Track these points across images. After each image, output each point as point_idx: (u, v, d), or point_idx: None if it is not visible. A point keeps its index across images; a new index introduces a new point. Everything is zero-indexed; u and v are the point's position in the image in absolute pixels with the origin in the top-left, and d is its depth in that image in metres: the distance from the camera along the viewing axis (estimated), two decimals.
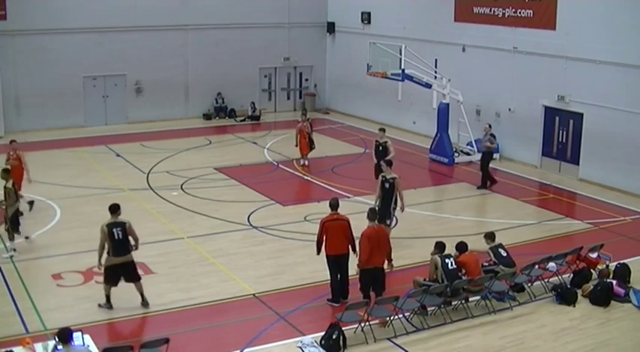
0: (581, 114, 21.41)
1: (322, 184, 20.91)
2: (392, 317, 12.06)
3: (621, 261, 14.41)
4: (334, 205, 13.07)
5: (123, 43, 28.29)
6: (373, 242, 12.43)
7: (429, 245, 13.18)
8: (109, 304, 12.61)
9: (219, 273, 14.35)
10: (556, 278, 13.90)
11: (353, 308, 11.80)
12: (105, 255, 12.40)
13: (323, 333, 11.46)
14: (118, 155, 24.00)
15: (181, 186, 20.37)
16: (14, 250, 14.93)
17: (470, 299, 12.96)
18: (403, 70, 23.02)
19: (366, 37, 27.18)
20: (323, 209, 18.02)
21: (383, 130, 19.58)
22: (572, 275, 14.06)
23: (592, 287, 13.35)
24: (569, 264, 14.22)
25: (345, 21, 31.21)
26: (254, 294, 13.39)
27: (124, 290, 13.37)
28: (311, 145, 22.59)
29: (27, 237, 15.40)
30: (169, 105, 29.72)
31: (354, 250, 12.85)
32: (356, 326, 11.73)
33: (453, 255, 12.95)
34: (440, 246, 12.82)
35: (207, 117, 30.29)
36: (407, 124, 28.09)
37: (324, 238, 12.83)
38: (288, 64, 32.17)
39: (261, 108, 31.26)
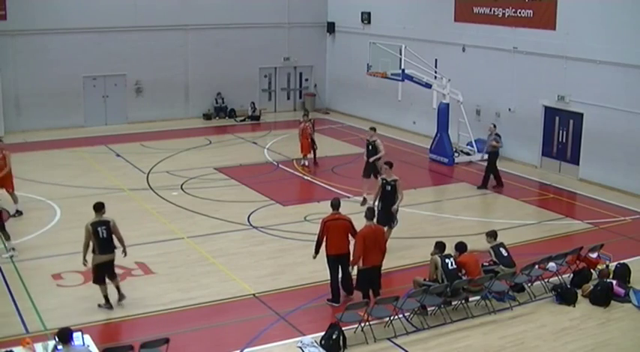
0: (581, 114, 21.41)
1: (322, 184, 20.92)
2: (392, 317, 12.05)
3: (621, 261, 14.41)
4: (336, 205, 13.09)
5: (123, 43, 28.29)
6: (370, 241, 12.49)
7: (429, 245, 13.18)
8: (108, 304, 12.62)
9: (219, 273, 14.35)
10: (556, 278, 13.90)
11: (353, 308, 11.80)
12: (91, 254, 12.45)
13: (323, 333, 11.46)
14: (118, 155, 23.99)
15: (181, 186, 20.37)
16: (13, 249, 14.93)
17: (470, 299, 12.96)
18: (403, 70, 23.02)
19: (366, 37, 27.18)
20: (323, 209, 18.03)
21: (373, 129, 19.46)
22: (572, 275, 14.06)
23: (592, 287, 13.35)
24: (569, 264, 14.22)
25: (345, 21, 31.21)
26: (254, 294, 13.39)
27: (125, 290, 13.39)
28: (313, 146, 22.58)
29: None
30: (169, 105, 29.72)
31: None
32: (356, 326, 11.73)
33: (453, 255, 12.95)
34: (440, 246, 12.82)
35: (207, 117, 30.29)
36: (407, 124, 28.09)
37: (325, 238, 12.84)
38: (288, 64, 32.17)
39: (261, 108, 31.26)
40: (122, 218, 17.35)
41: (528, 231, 17.10)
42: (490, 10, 24.19)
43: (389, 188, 15.11)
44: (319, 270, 13.96)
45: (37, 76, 26.92)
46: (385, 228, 14.11)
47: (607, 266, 14.26)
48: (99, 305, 12.67)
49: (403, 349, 11.52)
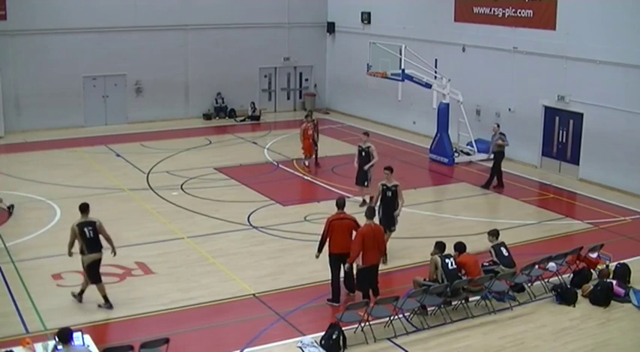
0: (581, 114, 21.41)
1: (322, 184, 20.92)
2: (392, 317, 12.05)
3: (621, 261, 14.42)
4: (341, 204, 13.13)
5: (123, 43, 28.29)
6: (369, 240, 12.53)
7: (429, 245, 13.19)
8: (108, 304, 12.63)
9: (219, 273, 14.35)
10: (556, 278, 13.90)
11: (353, 308, 11.81)
12: (79, 256, 12.52)
13: (323, 333, 11.46)
14: (118, 155, 23.99)
15: (181, 186, 20.37)
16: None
17: (470, 299, 12.96)
18: (403, 70, 23.02)
19: (366, 37, 27.18)
20: (323, 209, 18.07)
21: (367, 134, 18.93)
22: (572, 275, 14.07)
23: (592, 287, 13.35)
24: (569, 264, 14.22)
25: (345, 21, 31.22)
26: (254, 294, 13.39)
27: (125, 290, 13.41)
28: (314, 146, 22.57)
29: None
30: (169, 105, 29.72)
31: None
32: (356, 326, 11.74)
33: (452, 255, 12.96)
34: (440, 246, 12.82)
35: (207, 117, 30.29)
36: (407, 124, 28.09)
37: (329, 237, 12.87)
38: (288, 64, 32.17)
39: (261, 108, 31.26)
40: (122, 218, 17.55)
41: (528, 231, 17.10)
42: (490, 10, 24.20)
43: (389, 194, 14.87)
44: (319, 270, 13.98)
45: (37, 76, 26.92)
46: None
47: (607, 266, 14.26)
48: (99, 306, 12.68)
49: (403, 349, 11.52)
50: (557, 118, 22.38)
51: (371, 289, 12.88)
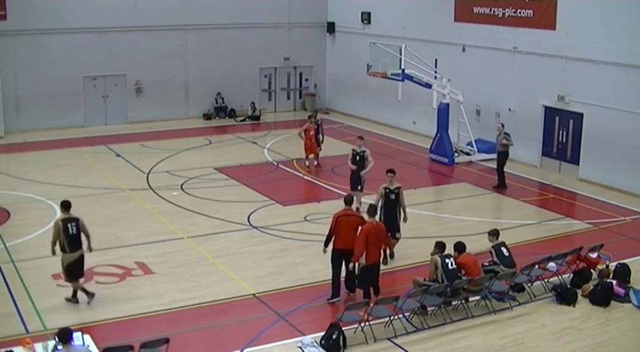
0: (581, 114, 21.41)
1: (322, 184, 20.92)
2: (392, 317, 12.05)
3: (621, 261, 14.41)
4: (349, 201, 13.23)
5: (123, 43, 28.28)
6: (372, 238, 12.58)
7: (429, 245, 13.19)
8: (75, 298, 12.75)
9: (219, 273, 14.35)
10: (556, 278, 13.90)
11: (353, 308, 11.81)
12: (60, 254, 12.60)
13: (323, 333, 11.46)
14: (118, 155, 23.99)
15: (181, 186, 20.37)
16: None
17: (470, 299, 12.96)
18: (403, 70, 23.02)
19: (366, 37, 27.18)
20: (323, 209, 18.08)
21: (361, 138, 18.57)
22: (572, 275, 14.06)
23: (592, 287, 13.35)
24: (569, 264, 14.22)
25: (345, 21, 31.22)
26: (254, 294, 13.39)
27: (125, 290, 13.40)
28: (318, 147, 22.54)
29: None
30: (169, 105, 29.72)
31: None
32: (356, 326, 11.73)
33: (453, 255, 12.96)
34: (440, 246, 12.82)
35: (207, 117, 30.29)
36: (407, 124, 28.09)
37: (335, 232, 12.92)
38: (288, 64, 32.17)
39: (261, 108, 31.26)
40: (122, 218, 17.57)
41: (528, 231, 17.09)
42: (490, 10, 24.20)
43: (392, 197, 14.62)
44: (319, 270, 13.99)
45: (37, 76, 26.91)
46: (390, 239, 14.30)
47: (607, 266, 14.26)
48: (66, 299, 12.78)
49: (403, 349, 11.52)
50: (557, 118, 22.38)
51: (372, 287, 12.91)
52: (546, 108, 22.56)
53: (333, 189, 20.07)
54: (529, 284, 13.53)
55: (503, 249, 13.63)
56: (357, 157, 17.90)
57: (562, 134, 22.27)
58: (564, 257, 14.06)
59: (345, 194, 18.93)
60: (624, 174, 20.27)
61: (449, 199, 20.32)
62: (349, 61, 30.49)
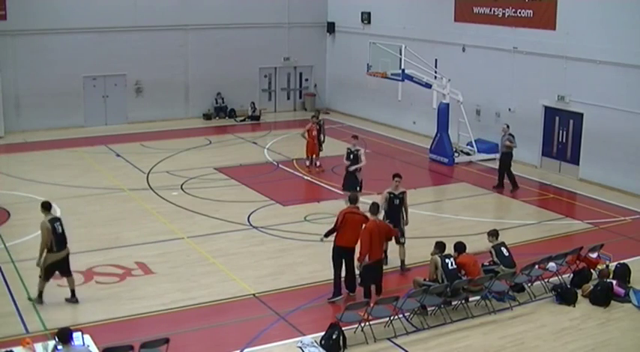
0: (581, 114, 21.41)
1: (322, 184, 20.92)
2: (392, 317, 12.05)
3: (621, 261, 14.41)
4: (354, 199, 13.32)
5: (123, 43, 28.28)
6: (375, 236, 12.62)
7: (429, 245, 13.19)
8: (40, 299, 12.73)
9: (219, 273, 14.35)
10: (556, 278, 13.90)
11: (353, 308, 11.80)
12: (44, 253, 12.60)
13: (323, 333, 11.46)
14: (118, 155, 23.99)
15: (181, 186, 20.37)
16: None
17: (470, 299, 12.96)
18: (403, 70, 23.02)
19: (366, 37, 27.17)
20: (323, 209, 18.10)
21: (356, 137, 18.71)
22: (572, 275, 14.06)
23: (592, 287, 13.35)
24: (569, 264, 14.22)
25: (345, 21, 31.22)
26: (254, 294, 13.39)
27: (125, 290, 13.40)
28: (319, 147, 22.55)
29: None
30: (169, 105, 29.72)
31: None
32: (356, 326, 11.73)
33: (453, 255, 12.96)
34: (440, 246, 12.83)
35: (207, 117, 30.29)
36: (407, 124, 28.09)
37: (339, 228, 12.94)
38: (288, 64, 32.17)
39: (261, 108, 31.26)
40: (122, 218, 17.57)
41: (528, 231, 17.09)
42: (490, 10, 24.20)
43: (397, 202, 14.44)
44: (319, 270, 13.99)
45: (37, 76, 26.92)
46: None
47: (607, 266, 14.25)
48: (28, 299, 12.79)
49: (403, 349, 11.52)
50: (557, 118, 22.38)
51: (375, 286, 12.94)
52: (546, 108, 22.56)
53: (333, 189, 20.06)
54: (529, 284, 13.53)
55: (503, 249, 13.63)
56: (352, 156, 17.98)
57: (562, 134, 22.27)
58: (564, 257, 14.06)
59: (344, 194, 19.07)
60: (624, 174, 20.27)
61: (449, 199, 20.32)
62: (349, 61, 30.49)
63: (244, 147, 25.79)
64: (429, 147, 24.42)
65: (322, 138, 22.62)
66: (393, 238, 13.79)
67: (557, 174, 22.20)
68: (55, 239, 12.53)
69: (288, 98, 32.91)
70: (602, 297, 13.07)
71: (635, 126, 19.80)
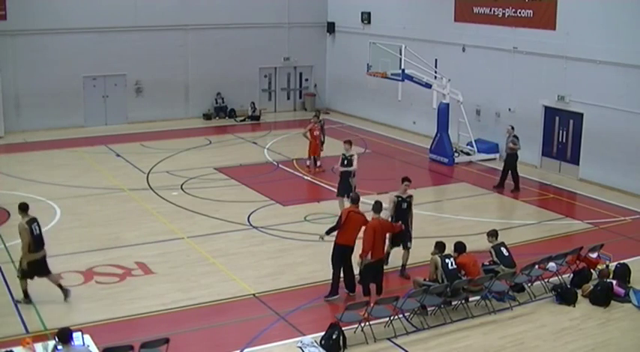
0: (581, 114, 21.41)
1: (322, 184, 20.92)
2: (392, 317, 12.05)
3: (621, 261, 14.41)
4: (355, 199, 13.40)
5: (123, 43, 28.28)
6: (377, 234, 12.67)
7: (429, 245, 13.19)
8: (27, 299, 12.74)
9: (219, 273, 14.35)
10: (556, 278, 13.90)
11: (353, 308, 11.81)
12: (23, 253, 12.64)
13: (323, 333, 11.46)
14: (118, 155, 23.99)
15: (181, 186, 20.36)
16: None
17: (470, 299, 12.96)
18: (403, 70, 23.02)
19: (366, 37, 27.17)
20: (323, 209, 18.10)
21: (349, 143, 18.40)
22: (572, 275, 14.06)
23: (592, 287, 13.35)
24: (569, 264, 14.22)
25: (345, 21, 31.21)
26: (254, 294, 13.39)
27: (125, 290, 13.40)
28: (320, 147, 22.52)
29: None
30: (169, 105, 29.71)
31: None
32: (356, 326, 11.73)
33: (453, 255, 12.96)
34: (440, 246, 12.83)
35: (207, 117, 30.29)
36: (407, 124, 28.09)
37: (341, 226, 12.98)
38: (288, 64, 32.17)
39: (261, 108, 31.26)
40: (122, 218, 17.56)
41: (528, 231, 17.10)
42: (490, 10, 24.19)
43: (405, 205, 14.32)
44: (319, 270, 14.00)
45: (37, 76, 26.91)
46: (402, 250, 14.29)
47: (607, 266, 14.25)
48: (17, 302, 12.77)
49: (403, 349, 11.52)
50: (557, 118, 22.37)
51: (375, 286, 12.95)
52: (546, 108, 22.56)
53: (333, 189, 20.02)
54: (529, 284, 13.53)
55: (503, 249, 13.64)
56: (346, 161, 17.87)
57: (562, 134, 22.27)
58: (564, 257, 14.06)
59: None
60: (624, 174, 20.27)
61: (449, 199, 20.32)
62: (349, 61, 30.48)
63: (244, 147, 25.79)
64: (429, 147, 24.41)
65: (323, 138, 22.61)
66: (401, 244, 14.00)
67: (557, 174, 22.20)
68: (33, 240, 12.56)
69: (288, 98, 32.91)
70: (602, 297, 13.07)
71: (635, 126, 19.80)
